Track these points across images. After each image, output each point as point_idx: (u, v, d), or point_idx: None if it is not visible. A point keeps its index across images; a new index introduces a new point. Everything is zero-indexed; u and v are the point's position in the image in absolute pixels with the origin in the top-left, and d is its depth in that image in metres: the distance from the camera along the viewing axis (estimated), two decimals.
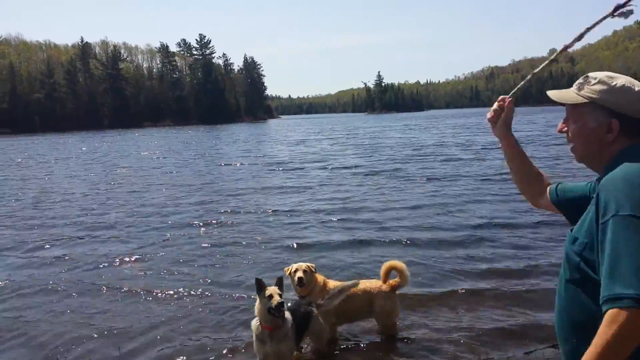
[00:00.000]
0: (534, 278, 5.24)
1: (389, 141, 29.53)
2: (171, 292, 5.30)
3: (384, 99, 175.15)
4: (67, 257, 6.81)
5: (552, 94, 1.63)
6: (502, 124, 1.83)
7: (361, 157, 20.27)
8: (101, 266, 6.38)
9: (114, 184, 14.94)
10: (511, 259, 5.91)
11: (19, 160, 26.29)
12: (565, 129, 1.61)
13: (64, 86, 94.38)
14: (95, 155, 28.31)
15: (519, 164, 1.87)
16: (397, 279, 4.10)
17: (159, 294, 5.29)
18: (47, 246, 7.57)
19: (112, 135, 57.38)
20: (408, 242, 6.85)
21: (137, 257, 6.68)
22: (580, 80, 1.58)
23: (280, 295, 3.25)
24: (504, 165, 2.11)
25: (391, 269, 4.11)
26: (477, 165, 15.30)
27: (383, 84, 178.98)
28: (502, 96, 1.85)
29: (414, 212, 8.88)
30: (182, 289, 5.38)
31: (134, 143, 40.14)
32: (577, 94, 1.55)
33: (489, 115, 1.85)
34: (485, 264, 5.80)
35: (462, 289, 5.03)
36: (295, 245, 6.93)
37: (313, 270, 3.97)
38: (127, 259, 6.60)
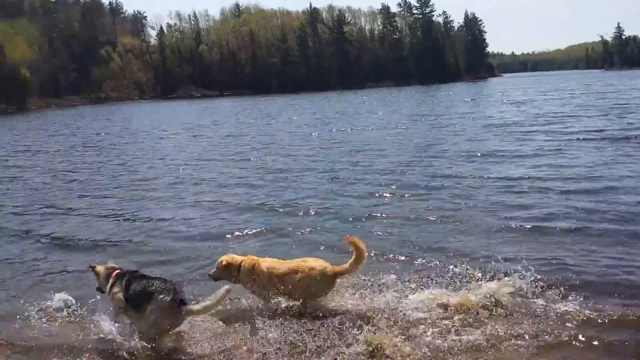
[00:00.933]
0: None
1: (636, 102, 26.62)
2: None
3: (625, 53, 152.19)
4: None
5: None
6: None
7: (601, 120, 19.32)
8: None
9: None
10: None
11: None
12: None
13: (296, 51, 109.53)
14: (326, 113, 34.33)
15: None
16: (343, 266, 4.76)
17: None
18: None
19: (336, 96, 65.18)
20: None
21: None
22: None
23: None
24: None
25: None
26: None
27: (623, 36, 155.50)
28: None
29: None
30: None
31: (362, 103, 45.80)
32: None
33: None
34: None
35: None
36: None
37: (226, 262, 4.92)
38: None
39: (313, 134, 22.09)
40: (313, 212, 8.58)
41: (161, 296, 4.19)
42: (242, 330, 4.60)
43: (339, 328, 4.47)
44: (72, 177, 14.28)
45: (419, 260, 5.91)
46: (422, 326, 4.37)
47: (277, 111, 41.91)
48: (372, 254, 5.58)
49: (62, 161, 17.94)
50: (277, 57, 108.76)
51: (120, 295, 4.45)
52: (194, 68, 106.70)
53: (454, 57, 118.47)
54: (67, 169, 16.07)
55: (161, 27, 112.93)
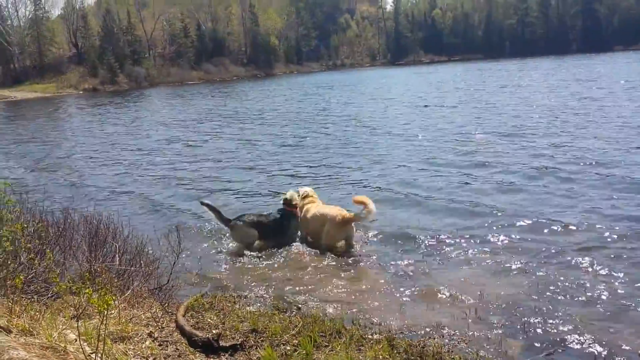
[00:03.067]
0: None
1: None
2: None
3: None
4: None
5: None
6: None
7: None
8: None
9: None
10: None
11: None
12: None
13: (535, 11, 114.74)
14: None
15: None
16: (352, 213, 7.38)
17: None
18: None
19: (578, 60, 69.81)
20: None
21: None
22: None
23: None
24: None
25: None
26: None
27: None
28: None
29: None
30: None
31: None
32: None
33: None
34: None
35: None
36: None
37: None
38: None
39: None
40: None
41: None
42: None
43: None
44: None
45: None
46: None
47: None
48: None
49: None
50: (514, 17, 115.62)
51: None
52: (425, 33, 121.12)
53: None
54: None
55: None
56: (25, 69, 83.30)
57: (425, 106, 27.56)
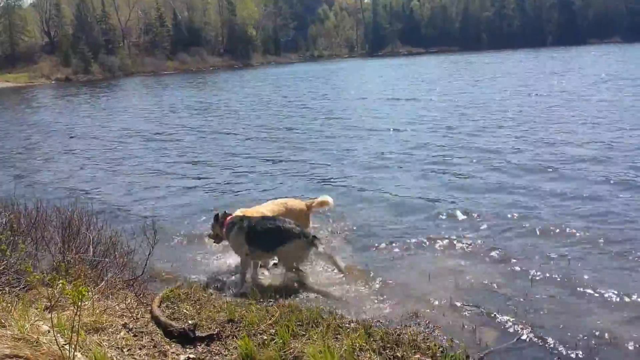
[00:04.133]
0: None
1: None
2: None
3: None
4: None
5: None
6: None
7: None
8: None
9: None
10: None
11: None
12: None
13: (512, 3, 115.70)
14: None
15: None
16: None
17: None
18: None
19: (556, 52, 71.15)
20: None
21: None
22: None
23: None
24: None
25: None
26: None
27: None
28: None
29: None
30: None
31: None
32: None
33: None
34: None
35: None
36: None
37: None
38: None
39: None
40: None
41: None
42: None
43: None
44: None
45: None
46: None
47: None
48: None
49: None
50: (491, 10, 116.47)
51: None
52: (403, 24, 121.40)
53: None
54: None
55: None
56: None
57: (396, 99, 27.48)
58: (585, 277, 6.31)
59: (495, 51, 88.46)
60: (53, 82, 72.90)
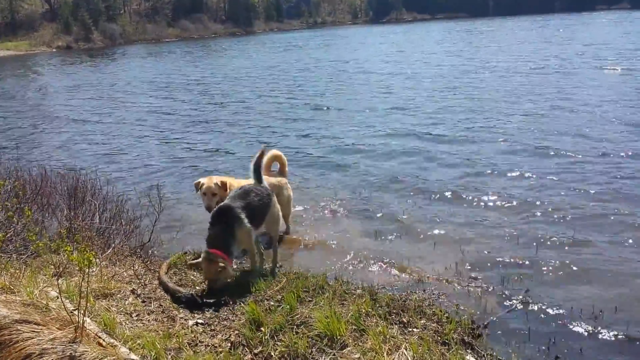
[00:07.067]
0: None
1: None
2: None
3: None
4: None
5: None
6: None
7: None
8: None
9: None
10: None
11: None
12: None
13: None
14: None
15: None
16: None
17: None
18: None
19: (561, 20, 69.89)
20: None
21: None
22: None
23: None
24: None
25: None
26: None
27: None
28: None
29: None
30: None
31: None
32: None
33: None
34: None
35: None
36: None
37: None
38: None
39: None
40: None
41: None
42: None
43: None
44: None
45: None
46: None
47: None
48: None
49: None
50: None
51: None
52: None
53: None
54: None
55: None
56: None
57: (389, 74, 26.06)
58: (593, 247, 6.29)
59: (501, 18, 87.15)
60: (54, 50, 72.34)
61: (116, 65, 43.70)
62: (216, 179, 6.07)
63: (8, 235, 4.83)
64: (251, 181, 5.70)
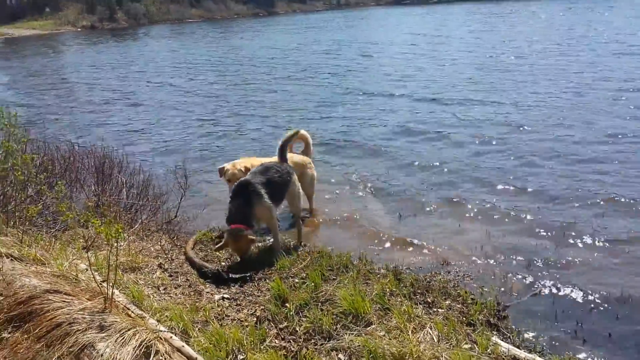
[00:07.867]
0: None
1: None
2: None
3: None
4: None
5: None
6: None
7: None
8: None
9: None
10: None
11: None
12: None
13: None
14: None
15: None
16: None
17: None
18: None
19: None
20: None
21: None
22: None
23: None
24: None
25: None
26: None
27: None
28: None
29: None
30: None
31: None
32: None
33: None
34: None
35: None
36: None
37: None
38: None
39: None
40: None
41: None
42: None
43: None
44: None
45: None
46: None
47: None
48: None
49: None
50: None
51: None
52: None
53: None
54: None
55: None
56: (22, 5, 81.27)
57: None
58: (619, 236, 6.17)
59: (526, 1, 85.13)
60: (79, 29, 72.82)
61: (140, 45, 43.81)
62: (240, 165, 6.08)
63: (39, 208, 4.91)
64: (275, 159, 5.71)
